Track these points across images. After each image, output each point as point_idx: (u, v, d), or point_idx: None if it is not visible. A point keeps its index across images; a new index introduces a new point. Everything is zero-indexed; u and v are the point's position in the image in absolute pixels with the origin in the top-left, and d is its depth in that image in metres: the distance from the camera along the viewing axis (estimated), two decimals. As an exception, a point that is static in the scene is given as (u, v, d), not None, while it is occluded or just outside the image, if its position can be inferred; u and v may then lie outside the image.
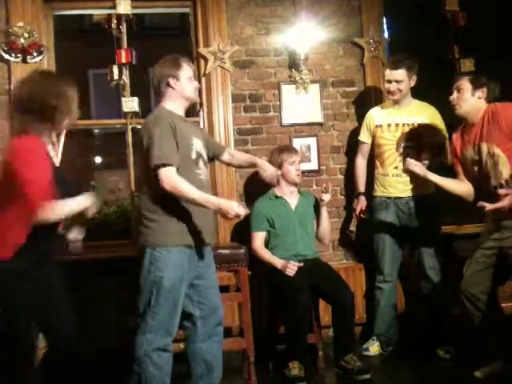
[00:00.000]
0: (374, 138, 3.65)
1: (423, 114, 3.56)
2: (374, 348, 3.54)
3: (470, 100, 2.94)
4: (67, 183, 2.36)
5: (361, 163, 3.73)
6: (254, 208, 3.48)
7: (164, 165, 2.41)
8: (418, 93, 3.63)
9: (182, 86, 2.57)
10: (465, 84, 2.96)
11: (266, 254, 3.37)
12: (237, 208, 2.38)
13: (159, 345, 2.47)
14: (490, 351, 2.99)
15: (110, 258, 3.63)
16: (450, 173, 3.14)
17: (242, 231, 3.73)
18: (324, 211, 3.52)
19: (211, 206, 2.42)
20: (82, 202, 2.25)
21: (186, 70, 2.60)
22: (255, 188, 3.70)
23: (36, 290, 2.20)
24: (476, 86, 2.94)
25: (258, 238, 3.42)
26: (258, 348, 3.11)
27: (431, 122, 3.52)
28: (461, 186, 3.04)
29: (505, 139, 2.81)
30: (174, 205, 2.47)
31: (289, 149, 3.60)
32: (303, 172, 3.62)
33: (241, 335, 3.17)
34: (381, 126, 3.60)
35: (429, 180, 3.07)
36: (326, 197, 3.47)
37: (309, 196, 3.61)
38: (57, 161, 2.34)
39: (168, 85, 2.57)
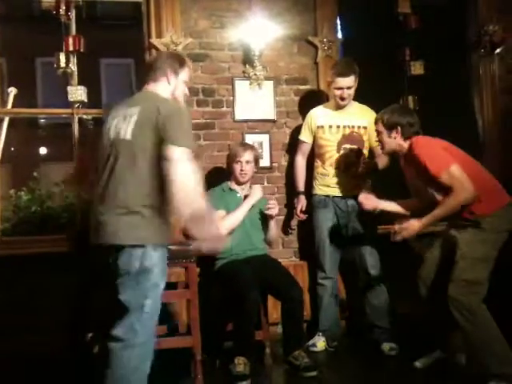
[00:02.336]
0: (314, 138, 3.66)
1: (364, 117, 3.61)
2: (320, 343, 3.57)
3: (389, 142, 3.01)
4: None
5: (301, 162, 3.73)
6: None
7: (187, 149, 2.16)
8: (369, 94, 3.66)
9: (176, 83, 2.50)
10: (380, 127, 3.03)
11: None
12: None
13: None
14: (430, 341, 3.08)
15: (53, 253, 3.51)
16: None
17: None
18: (272, 223, 3.49)
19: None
20: None
21: (186, 73, 2.55)
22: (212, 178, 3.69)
23: None
24: (389, 127, 2.99)
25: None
26: (205, 345, 3.07)
27: (370, 127, 3.51)
28: (406, 206, 3.16)
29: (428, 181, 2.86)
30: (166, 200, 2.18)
31: (243, 146, 3.55)
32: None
33: (188, 333, 3.12)
34: (322, 126, 3.62)
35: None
36: (273, 211, 3.42)
37: (262, 200, 3.49)
38: None
39: (165, 75, 2.46)
